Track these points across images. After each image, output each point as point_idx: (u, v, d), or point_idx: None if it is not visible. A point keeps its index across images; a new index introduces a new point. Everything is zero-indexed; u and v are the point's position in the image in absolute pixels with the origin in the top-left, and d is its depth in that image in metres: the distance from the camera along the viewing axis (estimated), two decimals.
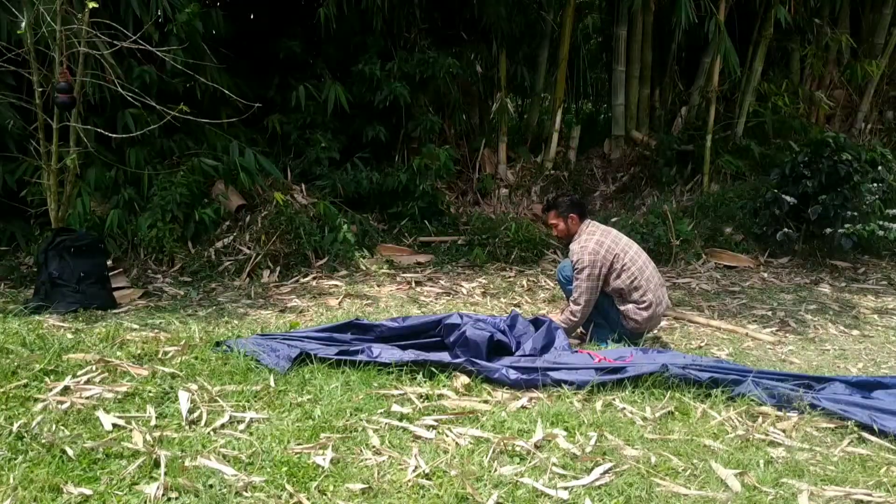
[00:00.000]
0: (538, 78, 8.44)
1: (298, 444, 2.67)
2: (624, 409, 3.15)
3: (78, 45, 4.44)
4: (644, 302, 4.19)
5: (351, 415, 2.95)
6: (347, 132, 7.16)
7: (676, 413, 3.12)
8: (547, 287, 5.77)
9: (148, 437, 2.65)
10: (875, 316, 5.18)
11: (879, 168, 6.69)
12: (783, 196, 6.49)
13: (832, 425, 3.03)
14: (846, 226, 6.21)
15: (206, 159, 5.99)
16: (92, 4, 4.25)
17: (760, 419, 3.09)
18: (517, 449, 2.71)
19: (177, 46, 5.29)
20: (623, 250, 4.22)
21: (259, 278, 5.62)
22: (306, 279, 5.67)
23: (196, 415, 2.90)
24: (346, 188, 6.81)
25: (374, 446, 2.69)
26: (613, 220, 7.08)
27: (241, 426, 2.82)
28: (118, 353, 3.51)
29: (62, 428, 2.70)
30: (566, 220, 4.36)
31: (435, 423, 2.91)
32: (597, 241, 4.20)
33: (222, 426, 2.82)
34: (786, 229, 6.59)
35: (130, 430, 2.71)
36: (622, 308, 4.23)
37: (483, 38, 7.77)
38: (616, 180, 8.48)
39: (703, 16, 7.34)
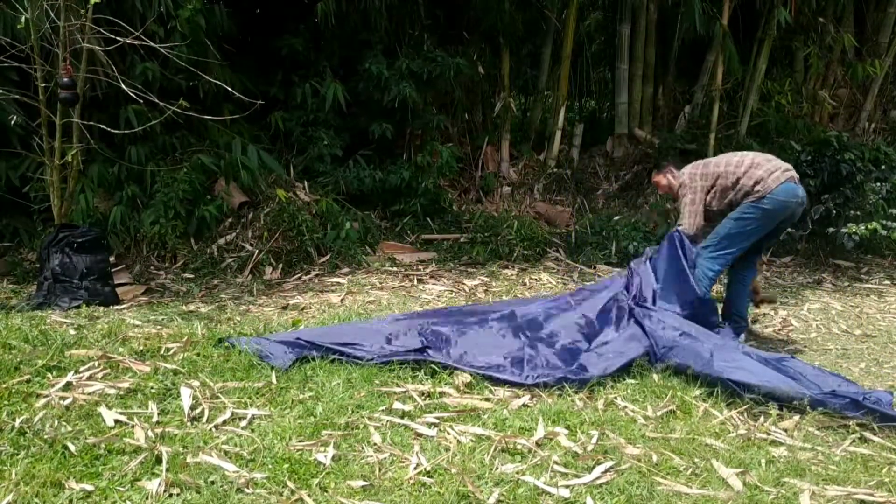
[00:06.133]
0: (541, 76, 8.43)
1: (300, 441, 2.68)
2: (625, 407, 3.15)
3: (81, 42, 4.44)
4: (751, 172, 4.24)
5: (352, 412, 2.95)
6: (350, 129, 7.16)
7: (678, 412, 3.12)
8: (549, 285, 5.77)
9: (150, 434, 2.66)
10: (878, 315, 5.16)
11: (883, 167, 6.67)
12: None
13: (834, 425, 3.03)
14: (849, 225, 6.19)
15: (208, 157, 5.99)
16: (94, 0, 4.25)
17: (762, 418, 3.09)
18: (518, 447, 2.71)
19: (180, 43, 5.29)
20: (718, 164, 4.41)
21: (261, 275, 5.63)
22: (309, 276, 5.67)
23: (198, 411, 2.91)
24: (348, 185, 6.80)
25: (375, 443, 2.70)
26: (616, 217, 7.08)
27: (243, 423, 2.83)
28: (120, 350, 3.52)
29: (64, 424, 2.71)
30: (666, 176, 4.64)
31: (436, 421, 2.92)
32: (690, 171, 4.49)
33: (224, 423, 2.83)
34: (789, 228, 6.57)
35: (132, 427, 2.71)
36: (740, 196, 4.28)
37: (486, 36, 7.76)
38: (619, 178, 8.46)
39: (708, 15, 7.34)
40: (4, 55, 4.54)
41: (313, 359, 3.49)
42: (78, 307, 4.46)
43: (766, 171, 4.19)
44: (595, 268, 6.33)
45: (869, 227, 6.09)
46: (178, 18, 5.59)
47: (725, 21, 7.47)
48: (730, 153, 4.53)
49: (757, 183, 4.16)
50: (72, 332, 3.83)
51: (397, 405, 3.04)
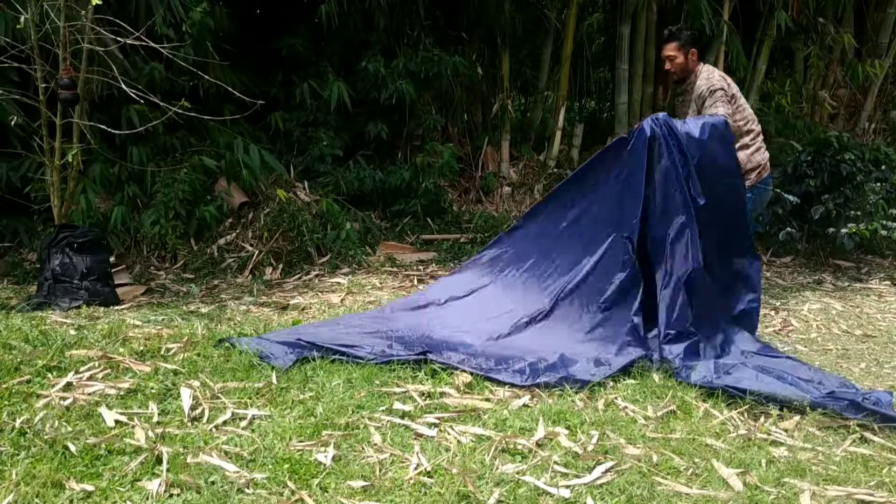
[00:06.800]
0: (541, 76, 8.42)
1: (300, 442, 2.68)
2: (626, 407, 3.15)
3: (81, 42, 4.44)
4: (757, 142, 4.24)
5: (353, 412, 2.96)
6: (350, 130, 7.16)
7: (678, 412, 3.12)
8: None
9: (150, 434, 2.66)
10: (878, 315, 5.16)
11: (883, 167, 6.66)
12: (786, 195, 6.48)
13: (834, 425, 3.03)
14: (849, 225, 6.19)
15: (209, 157, 5.99)
16: (95, 1, 4.25)
17: (762, 418, 3.09)
18: (519, 447, 2.71)
19: (184, 44, 5.29)
20: (741, 106, 4.28)
21: (261, 275, 5.63)
22: (309, 276, 5.67)
23: (198, 411, 2.91)
24: (348, 185, 6.81)
25: (375, 444, 2.70)
26: None
27: (243, 423, 2.83)
28: (121, 350, 3.52)
29: (64, 424, 2.71)
30: (686, 55, 4.25)
31: (437, 421, 2.92)
32: (721, 73, 4.26)
33: (224, 423, 2.83)
34: (788, 228, 6.57)
35: (133, 427, 2.71)
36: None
37: (486, 37, 7.76)
38: None
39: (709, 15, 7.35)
40: (4, 55, 4.54)
41: (313, 359, 3.49)
42: (78, 307, 4.46)
43: (766, 156, 4.21)
44: None
45: (869, 227, 6.09)
46: (190, 20, 5.59)
47: (726, 16, 7.46)
48: (745, 101, 4.37)
49: (759, 165, 4.15)
50: (72, 332, 3.83)
51: (397, 405, 3.04)
